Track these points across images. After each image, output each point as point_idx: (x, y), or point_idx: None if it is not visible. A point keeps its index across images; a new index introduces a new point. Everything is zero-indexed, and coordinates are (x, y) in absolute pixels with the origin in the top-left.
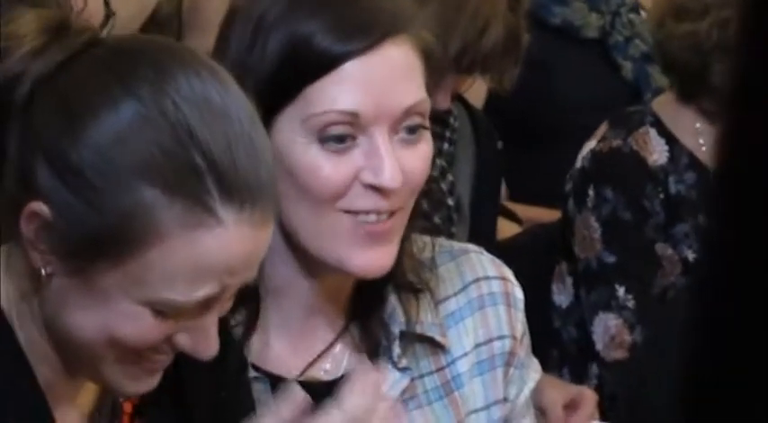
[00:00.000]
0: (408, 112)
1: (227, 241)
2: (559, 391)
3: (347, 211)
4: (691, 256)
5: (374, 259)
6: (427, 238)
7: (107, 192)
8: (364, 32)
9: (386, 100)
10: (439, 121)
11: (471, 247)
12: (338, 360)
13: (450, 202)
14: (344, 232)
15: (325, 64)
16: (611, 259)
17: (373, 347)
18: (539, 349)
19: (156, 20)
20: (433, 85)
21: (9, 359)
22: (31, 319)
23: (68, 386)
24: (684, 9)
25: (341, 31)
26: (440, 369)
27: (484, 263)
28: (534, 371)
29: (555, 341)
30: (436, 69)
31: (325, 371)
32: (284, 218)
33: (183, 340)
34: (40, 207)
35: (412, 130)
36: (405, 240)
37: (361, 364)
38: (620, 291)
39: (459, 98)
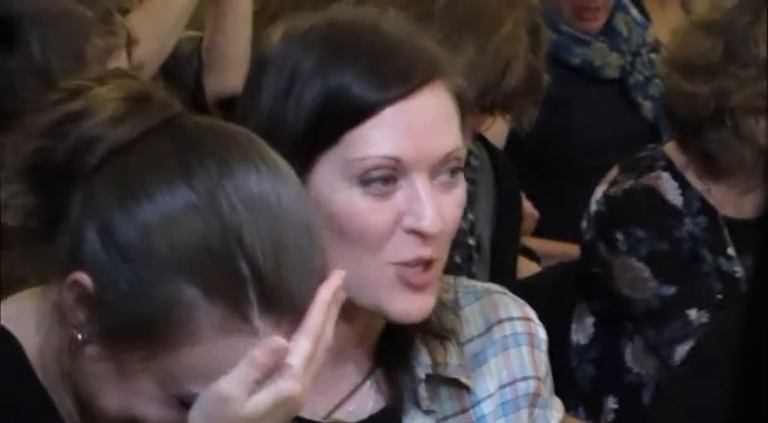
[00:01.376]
0: (448, 158)
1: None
2: None
3: (391, 264)
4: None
5: (415, 307)
6: (450, 279)
7: (148, 278)
8: (402, 79)
9: (426, 145)
10: None
11: (494, 287)
12: (363, 403)
13: (471, 241)
14: (387, 281)
15: (365, 110)
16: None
17: (399, 391)
18: (557, 389)
19: (177, 57)
20: None
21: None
22: (59, 374)
23: None
24: (690, 67)
25: (379, 78)
26: (464, 411)
27: (507, 303)
28: (557, 411)
29: (571, 382)
30: (464, 112)
31: (349, 412)
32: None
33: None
34: (83, 278)
35: (452, 173)
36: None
37: (385, 408)
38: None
39: (479, 138)
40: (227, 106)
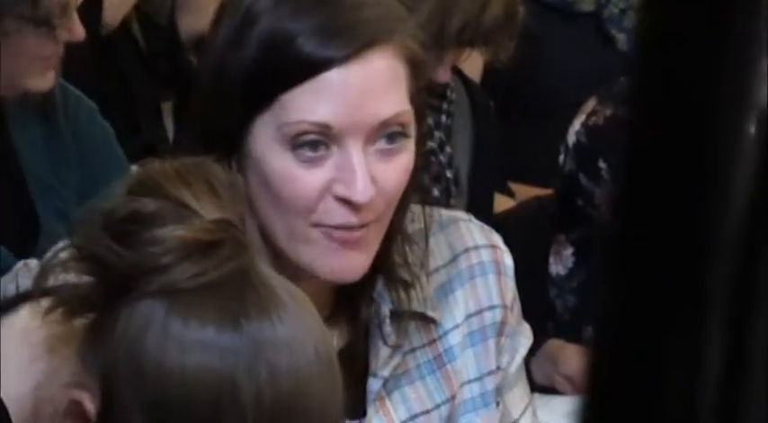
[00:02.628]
0: (386, 124)
1: None
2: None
3: (318, 225)
4: None
5: (345, 265)
6: (417, 208)
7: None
8: (347, 39)
9: (361, 112)
10: (436, 94)
11: (460, 214)
12: None
13: (449, 174)
14: (317, 241)
15: (304, 72)
16: None
17: (363, 330)
18: (535, 322)
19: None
20: (435, 59)
21: None
22: None
23: None
24: None
25: (323, 35)
26: (432, 342)
27: (473, 231)
28: (525, 337)
29: (550, 313)
30: (422, 78)
31: None
32: (261, 221)
33: None
34: (81, 397)
35: (391, 138)
36: (392, 239)
37: (350, 344)
38: None
39: (455, 71)
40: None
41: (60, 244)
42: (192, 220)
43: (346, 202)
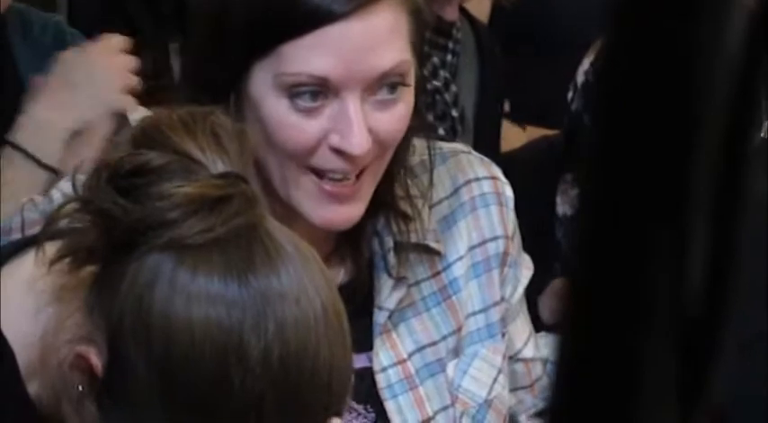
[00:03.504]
0: (385, 76)
1: None
2: None
3: (312, 170)
4: None
5: (337, 216)
6: (419, 142)
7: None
8: None
9: (360, 66)
10: (443, 32)
11: (460, 147)
12: (332, 274)
13: (455, 112)
14: (309, 189)
15: (306, 24)
16: None
17: (367, 263)
18: (542, 262)
19: None
20: None
21: None
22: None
23: None
24: None
25: None
26: (436, 274)
27: (474, 163)
28: (526, 268)
29: (557, 253)
30: (423, 26)
31: None
32: (258, 164)
33: None
34: (88, 352)
35: (392, 88)
36: (394, 175)
37: (355, 277)
38: None
39: (462, 11)
40: None
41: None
42: (200, 175)
43: (341, 152)
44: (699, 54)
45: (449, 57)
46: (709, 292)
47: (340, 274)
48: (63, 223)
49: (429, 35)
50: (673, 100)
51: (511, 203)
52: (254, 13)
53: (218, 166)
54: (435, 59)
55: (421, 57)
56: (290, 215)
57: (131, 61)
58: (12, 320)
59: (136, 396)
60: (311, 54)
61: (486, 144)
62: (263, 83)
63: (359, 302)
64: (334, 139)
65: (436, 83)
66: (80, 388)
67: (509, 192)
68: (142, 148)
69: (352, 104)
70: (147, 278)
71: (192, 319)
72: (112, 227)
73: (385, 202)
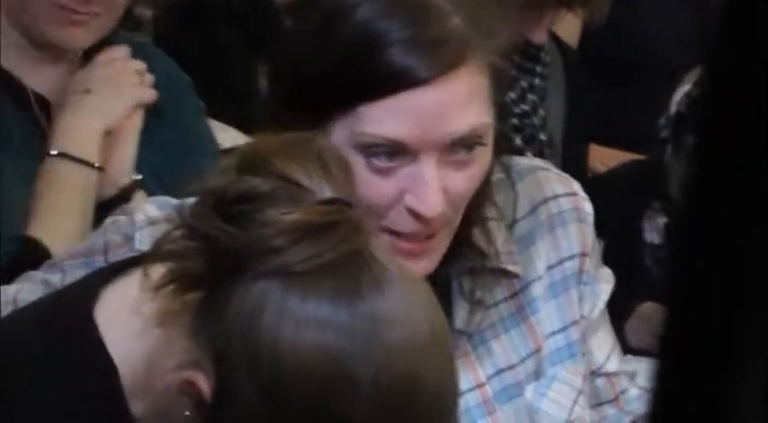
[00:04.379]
0: (464, 139)
1: None
2: None
3: (387, 231)
4: None
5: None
6: (500, 159)
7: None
8: (432, 57)
9: (437, 131)
10: (531, 56)
11: (538, 163)
12: None
13: (543, 136)
14: (383, 247)
15: (385, 88)
16: None
17: (444, 288)
18: (628, 286)
19: None
20: (535, 20)
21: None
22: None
23: None
24: None
25: (410, 50)
26: (513, 295)
27: (551, 180)
28: (605, 282)
29: (645, 278)
30: (503, 82)
31: None
32: None
33: None
34: (202, 382)
35: (469, 148)
36: (471, 225)
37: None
38: None
39: (551, 35)
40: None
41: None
42: (306, 200)
43: (416, 214)
44: None
45: (537, 80)
46: None
47: None
48: (168, 248)
49: (517, 59)
50: (761, 166)
51: (590, 219)
52: (336, 70)
53: (325, 191)
54: (524, 83)
55: (502, 112)
56: None
57: (139, 64)
58: (117, 340)
59: (243, 421)
60: (388, 117)
61: (574, 167)
62: (339, 137)
63: None
64: (410, 200)
65: (524, 107)
66: (187, 413)
67: (588, 207)
68: (247, 174)
69: (428, 167)
70: (255, 304)
71: (302, 344)
72: (219, 253)
73: (458, 234)
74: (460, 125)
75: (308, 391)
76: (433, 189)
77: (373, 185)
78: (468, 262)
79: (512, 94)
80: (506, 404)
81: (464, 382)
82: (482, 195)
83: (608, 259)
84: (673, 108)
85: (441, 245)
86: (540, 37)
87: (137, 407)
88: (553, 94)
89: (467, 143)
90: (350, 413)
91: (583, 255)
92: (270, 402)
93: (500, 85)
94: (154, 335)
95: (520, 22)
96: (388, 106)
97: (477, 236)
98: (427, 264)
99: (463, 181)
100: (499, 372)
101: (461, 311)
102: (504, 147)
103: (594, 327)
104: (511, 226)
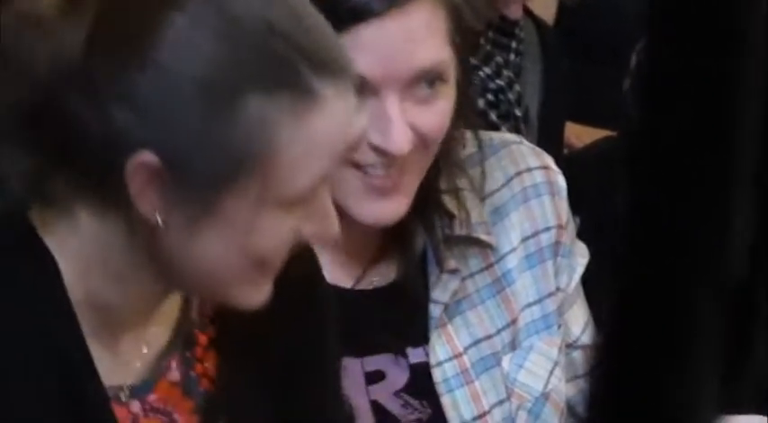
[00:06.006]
0: (423, 73)
1: (334, 118)
2: None
3: (354, 165)
4: None
5: (381, 211)
6: (469, 133)
7: (211, 117)
8: None
9: (397, 64)
10: (506, 32)
11: (510, 137)
12: (387, 270)
13: (518, 112)
14: (353, 185)
15: (341, 25)
16: None
17: (419, 258)
18: (602, 260)
19: None
20: None
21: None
22: (105, 271)
23: (131, 325)
24: None
25: None
26: (489, 266)
27: (525, 154)
28: (581, 256)
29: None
30: (462, 23)
31: (374, 281)
32: None
33: (310, 231)
34: (143, 158)
35: (431, 84)
36: (440, 170)
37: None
38: None
39: (526, 11)
40: None
41: None
42: None
43: (381, 150)
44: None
45: (512, 56)
46: (753, 256)
47: (391, 272)
48: None
49: (492, 35)
50: (718, 88)
51: (563, 193)
52: None
53: None
54: (499, 59)
55: (462, 50)
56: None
57: None
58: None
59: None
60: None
61: (550, 143)
62: None
63: (413, 298)
64: (375, 138)
65: (500, 82)
66: (159, 220)
67: (561, 181)
68: None
69: (391, 103)
70: None
71: None
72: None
73: (428, 198)
74: (420, 59)
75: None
76: (398, 125)
77: None
78: (442, 231)
79: (487, 70)
80: (484, 374)
81: (442, 352)
82: (453, 163)
83: (584, 235)
84: (633, 61)
85: (410, 186)
86: (515, 12)
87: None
88: (529, 70)
89: (428, 79)
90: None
91: (559, 227)
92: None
93: (459, 23)
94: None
95: None
96: (347, 42)
97: (451, 205)
98: (396, 205)
99: (430, 117)
100: (476, 342)
101: (438, 282)
102: (478, 121)
103: (570, 300)
104: (484, 198)
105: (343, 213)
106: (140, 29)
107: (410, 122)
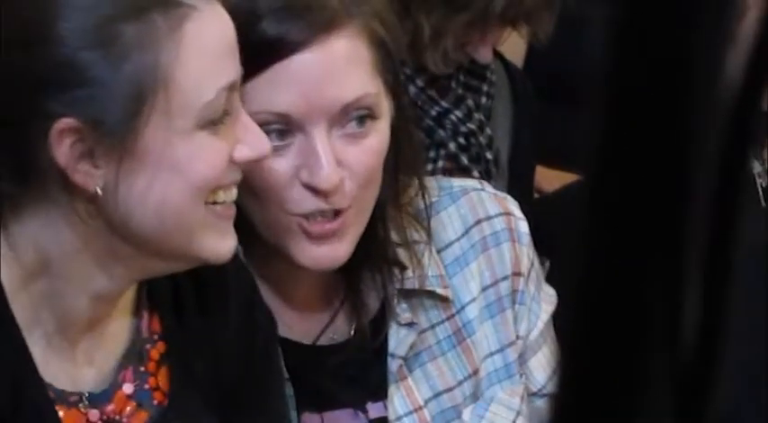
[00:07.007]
0: (349, 108)
1: (211, 22)
2: None
3: (294, 215)
4: None
5: (323, 256)
6: (431, 181)
7: (107, 57)
8: (305, 22)
9: (320, 98)
10: (477, 75)
11: (471, 184)
12: (344, 325)
13: (489, 155)
14: (293, 230)
15: (261, 60)
16: None
17: (377, 310)
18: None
19: None
20: (479, 39)
21: None
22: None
23: (86, 334)
24: None
25: (282, 18)
26: (449, 317)
27: (484, 200)
28: (547, 303)
29: None
30: (390, 59)
31: (331, 337)
32: (243, 212)
33: (241, 151)
34: (63, 124)
35: (360, 121)
36: (383, 219)
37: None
38: None
39: (496, 54)
40: None
41: None
42: None
43: (313, 189)
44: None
45: (483, 99)
46: (704, 326)
47: (350, 327)
48: None
49: (463, 78)
50: (667, 152)
51: (525, 239)
52: None
53: None
54: (470, 102)
55: (395, 88)
56: (287, 269)
57: None
58: None
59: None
60: (271, 90)
61: (520, 187)
62: None
63: (372, 351)
64: (304, 176)
65: (471, 126)
66: (98, 189)
67: (523, 227)
68: None
69: (318, 138)
70: None
71: None
72: None
73: (380, 251)
74: (344, 91)
75: None
76: (325, 159)
77: (268, 167)
78: (398, 285)
79: (458, 113)
80: None
81: (401, 406)
82: (405, 213)
83: (554, 279)
84: None
85: (351, 228)
86: (485, 55)
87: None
88: (500, 114)
89: (356, 114)
90: None
91: (515, 274)
92: None
93: (386, 56)
94: None
95: (464, 41)
96: (268, 79)
97: (405, 257)
98: (342, 247)
99: (360, 153)
100: (437, 395)
101: (394, 335)
102: (427, 168)
103: (534, 347)
104: (443, 249)
105: (299, 269)
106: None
107: (339, 159)
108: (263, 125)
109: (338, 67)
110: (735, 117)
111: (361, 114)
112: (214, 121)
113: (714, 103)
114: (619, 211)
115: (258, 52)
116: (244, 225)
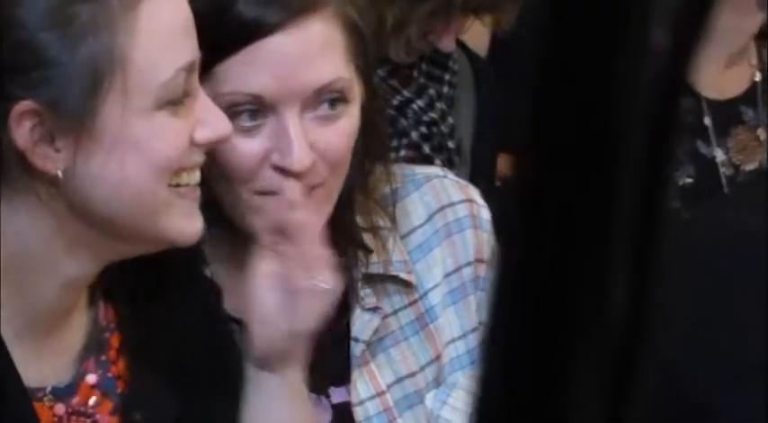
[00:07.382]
0: (322, 91)
1: (166, 3)
2: None
3: (260, 193)
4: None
5: None
6: (394, 169)
7: (63, 38)
8: (281, 5)
9: (294, 81)
10: (439, 64)
11: (434, 171)
12: None
13: (452, 144)
14: (260, 210)
15: (236, 41)
16: None
17: (342, 294)
18: None
19: None
20: (442, 28)
21: None
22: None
23: (52, 327)
24: None
25: (258, 1)
26: (413, 303)
27: (448, 188)
28: None
29: None
30: (363, 44)
31: None
32: (211, 192)
33: (202, 132)
34: (22, 107)
35: (332, 104)
36: (351, 203)
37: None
38: None
39: (458, 43)
40: None
41: None
42: None
43: (284, 170)
44: (617, 90)
45: (445, 88)
46: (631, 309)
47: None
48: None
49: (425, 67)
50: (595, 154)
51: (487, 226)
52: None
53: None
54: (432, 91)
55: (365, 75)
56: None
57: None
58: None
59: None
60: (244, 71)
61: (483, 175)
62: None
63: (336, 335)
64: (276, 158)
65: (433, 115)
66: (59, 173)
67: (485, 214)
68: None
69: (291, 120)
70: None
71: None
72: None
73: (345, 235)
74: (319, 74)
75: None
76: (298, 142)
77: (239, 147)
78: (363, 269)
79: (420, 102)
80: (407, 412)
81: (364, 390)
82: (371, 199)
83: None
84: None
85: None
86: (447, 45)
87: None
88: (463, 102)
89: (329, 97)
90: None
91: (478, 261)
92: None
93: (359, 42)
94: None
95: (427, 30)
96: (242, 60)
97: (370, 242)
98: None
99: (332, 136)
100: (400, 379)
101: (358, 320)
102: (392, 153)
103: None
104: (407, 235)
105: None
106: None
107: (311, 141)
108: (234, 106)
109: (313, 50)
110: (658, 113)
111: (333, 97)
112: (173, 102)
113: (638, 102)
114: (546, 201)
115: (234, 33)
116: (211, 207)
